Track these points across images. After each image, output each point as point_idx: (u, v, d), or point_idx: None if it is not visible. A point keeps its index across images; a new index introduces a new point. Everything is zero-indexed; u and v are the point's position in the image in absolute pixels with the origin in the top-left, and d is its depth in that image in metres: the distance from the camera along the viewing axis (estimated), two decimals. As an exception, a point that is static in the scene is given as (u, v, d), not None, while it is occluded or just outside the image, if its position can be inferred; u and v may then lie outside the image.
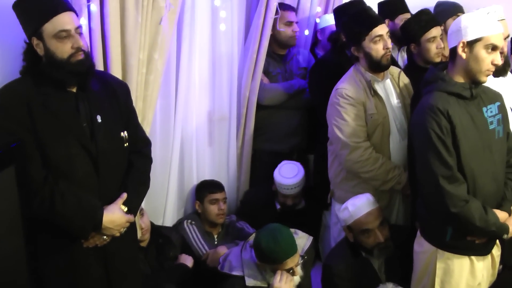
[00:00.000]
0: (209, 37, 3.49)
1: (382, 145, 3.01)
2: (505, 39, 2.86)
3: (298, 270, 2.76)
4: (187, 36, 3.26)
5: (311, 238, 3.01)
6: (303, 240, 2.95)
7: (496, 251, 2.60)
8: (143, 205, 2.80)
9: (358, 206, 2.85)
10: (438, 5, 3.94)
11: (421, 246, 2.55)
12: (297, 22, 3.78)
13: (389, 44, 2.94)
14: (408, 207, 3.08)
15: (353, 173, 3.04)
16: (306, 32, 4.00)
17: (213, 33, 3.50)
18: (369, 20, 2.94)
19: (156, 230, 3.13)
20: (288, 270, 2.70)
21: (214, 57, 3.55)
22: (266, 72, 3.76)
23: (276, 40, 3.74)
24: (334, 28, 3.75)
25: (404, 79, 3.14)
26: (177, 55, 3.24)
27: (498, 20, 2.69)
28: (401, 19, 3.75)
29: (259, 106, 3.72)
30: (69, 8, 2.17)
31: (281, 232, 2.71)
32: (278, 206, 3.60)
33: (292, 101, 3.73)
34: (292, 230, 2.90)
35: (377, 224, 2.82)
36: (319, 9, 4.06)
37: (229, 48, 3.59)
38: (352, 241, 2.90)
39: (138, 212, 2.66)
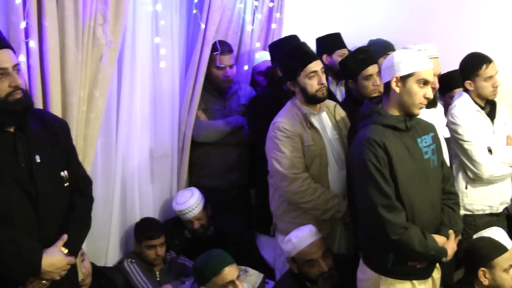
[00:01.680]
0: (150, 74, 3.50)
1: (320, 176, 3.08)
2: (438, 75, 3.00)
3: (242, 285, 2.77)
4: (128, 73, 3.27)
5: (261, 275, 3.03)
6: (253, 277, 2.97)
7: (436, 273, 2.69)
8: (84, 245, 2.73)
9: (301, 237, 2.89)
10: (370, 44, 4.11)
11: (364, 274, 2.61)
12: (233, 65, 3.80)
13: (324, 79, 3.04)
14: (350, 235, 3.15)
15: (294, 204, 3.09)
16: (246, 67, 4.08)
17: (153, 70, 3.52)
18: (304, 57, 3.04)
19: (98, 271, 3.06)
20: (230, 283, 2.70)
21: (155, 93, 3.57)
22: (205, 109, 3.79)
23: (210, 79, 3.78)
24: (266, 65, 3.87)
25: (340, 112, 3.25)
26: (118, 92, 3.24)
27: (431, 58, 2.81)
28: (338, 54, 3.88)
29: (198, 142, 3.73)
30: (6, 45, 2.14)
31: (213, 250, 2.81)
32: (186, 233, 3.62)
33: (229, 137, 3.74)
34: (242, 267, 2.91)
35: (321, 254, 2.86)
36: (258, 44, 4.17)
37: (169, 84, 3.62)
38: (296, 272, 2.92)
39: (79, 254, 2.59)
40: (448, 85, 3.69)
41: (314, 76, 3.02)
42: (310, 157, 3.05)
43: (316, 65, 3.03)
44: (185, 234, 3.63)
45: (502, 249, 2.77)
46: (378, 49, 3.89)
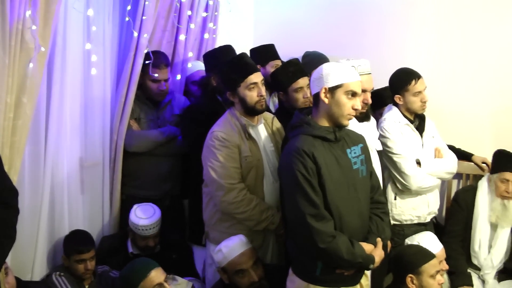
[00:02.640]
0: (81, 80, 3.41)
1: (256, 187, 3.09)
2: (370, 91, 3.05)
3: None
4: (58, 79, 3.18)
5: (190, 283, 3.01)
6: (182, 286, 2.95)
7: (365, 280, 2.75)
8: (8, 259, 2.63)
9: (232, 247, 2.90)
10: (305, 56, 4.18)
11: (293, 283, 2.63)
12: (167, 80, 3.76)
13: (263, 91, 3.05)
14: (282, 246, 3.16)
15: (228, 214, 3.08)
16: (178, 77, 4.05)
17: (84, 77, 3.43)
18: (245, 68, 3.04)
19: (23, 286, 2.95)
20: (158, 286, 2.70)
21: (86, 101, 3.47)
22: (137, 118, 3.73)
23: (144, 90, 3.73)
24: (200, 74, 3.86)
25: (277, 124, 3.27)
26: (48, 99, 3.14)
27: (364, 74, 2.91)
28: (272, 66, 3.91)
29: (130, 152, 3.67)
30: None
31: (136, 259, 2.87)
32: (131, 250, 3.51)
33: (162, 148, 3.70)
34: (170, 276, 2.89)
35: (251, 264, 2.87)
36: (191, 54, 4.14)
37: (101, 92, 3.54)
38: (227, 283, 2.92)
39: (3, 269, 2.49)
40: (378, 102, 3.78)
41: (254, 87, 3.02)
42: (247, 168, 3.05)
43: (257, 77, 3.04)
44: (127, 253, 3.50)
45: (429, 256, 2.86)
46: (312, 61, 3.94)
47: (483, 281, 3.60)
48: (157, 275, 2.72)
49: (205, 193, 3.21)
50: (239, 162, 3.03)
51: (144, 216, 3.40)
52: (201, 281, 3.44)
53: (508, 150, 3.65)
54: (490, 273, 3.58)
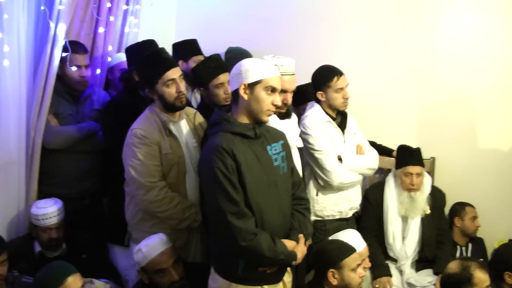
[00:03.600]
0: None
1: (178, 184, 3.03)
2: (292, 92, 3.02)
3: None
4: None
5: (108, 285, 2.93)
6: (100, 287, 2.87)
7: (288, 277, 2.76)
8: None
9: (152, 246, 2.85)
10: (228, 52, 4.15)
11: (216, 282, 2.60)
12: (88, 66, 3.65)
13: (182, 87, 2.99)
14: (206, 244, 3.12)
15: (150, 213, 3.02)
16: (98, 71, 3.92)
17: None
18: (162, 64, 2.96)
19: None
20: None
21: (-1, 94, 3.28)
22: (56, 113, 3.57)
23: (65, 81, 3.58)
24: (123, 65, 3.74)
25: (200, 119, 3.22)
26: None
27: (288, 75, 2.89)
28: (194, 61, 3.85)
29: (48, 149, 3.51)
30: None
31: (54, 262, 2.77)
32: (38, 249, 3.36)
33: (82, 144, 3.58)
34: (88, 279, 2.79)
35: (171, 262, 2.83)
36: (110, 48, 4.01)
37: (15, 85, 3.32)
38: (147, 283, 2.86)
39: None
40: (301, 98, 3.81)
41: (173, 83, 2.95)
42: (168, 165, 2.99)
43: (174, 73, 2.97)
44: (34, 255, 3.35)
45: (350, 250, 2.89)
46: (236, 57, 3.89)
47: (401, 272, 3.72)
48: (74, 281, 2.61)
49: (127, 192, 3.12)
50: (160, 159, 2.96)
51: (43, 206, 3.30)
52: (118, 283, 3.34)
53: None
54: (405, 263, 3.71)
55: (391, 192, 3.78)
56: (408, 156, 3.75)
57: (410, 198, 3.70)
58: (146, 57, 3.05)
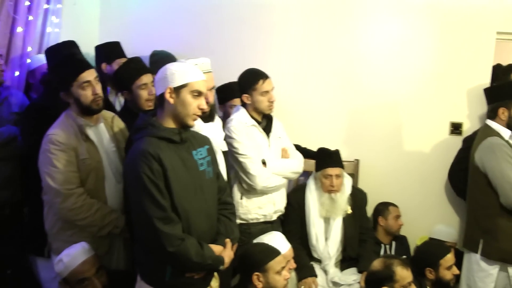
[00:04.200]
0: None
1: (97, 190, 2.96)
2: (211, 89, 3.06)
3: None
4: None
5: None
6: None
7: (215, 282, 2.76)
8: None
9: (73, 255, 2.75)
10: (153, 55, 4.10)
11: (142, 290, 2.55)
12: (2, 65, 3.50)
13: (99, 89, 2.92)
14: (130, 251, 3.03)
15: (70, 222, 2.92)
16: (17, 73, 3.75)
17: None
18: (77, 65, 2.89)
19: None
20: None
21: None
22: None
23: None
24: (45, 68, 3.60)
25: (119, 123, 3.15)
26: None
27: (205, 72, 2.87)
28: (118, 64, 3.77)
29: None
30: None
31: None
32: None
33: (1, 150, 3.41)
34: None
35: (94, 271, 2.75)
36: (30, 49, 3.85)
37: None
38: (69, 295, 2.76)
39: None
40: (227, 95, 3.83)
41: (88, 86, 2.88)
42: (86, 171, 2.91)
43: (90, 74, 2.90)
44: None
45: (275, 253, 2.92)
46: (161, 60, 3.86)
47: (326, 272, 3.78)
48: None
49: (45, 201, 3.00)
50: (77, 165, 2.88)
51: None
52: None
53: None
54: (329, 263, 3.77)
55: (312, 195, 3.84)
56: (327, 159, 3.83)
57: (330, 200, 3.77)
58: (60, 59, 2.97)
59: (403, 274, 2.89)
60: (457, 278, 3.55)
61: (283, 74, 4.26)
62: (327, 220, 3.81)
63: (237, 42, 4.37)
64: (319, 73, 4.39)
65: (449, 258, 3.29)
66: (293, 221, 3.85)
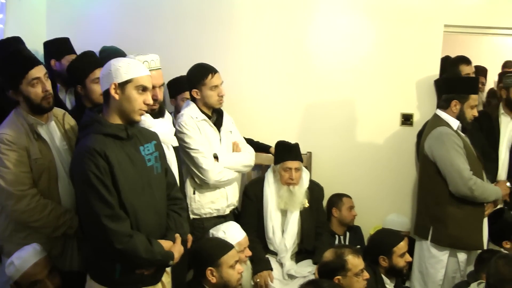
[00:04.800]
0: None
1: (50, 190, 2.89)
2: (160, 86, 3.04)
3: None
4: None
5: None
6: None
7: (166, 278, 2.75)
8: None
9: (24, 258, 2.69)
10: (102, 51, 4.05)
11: (92, 290, 2.53)
12: None
13: (49, 86, 2.85)
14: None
15: (23, 224, 2.84)
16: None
17: None
18: (25, 62, 2.80)
19: None
20: None
21: None
22: None
23: None
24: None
25: (70, 121, 3.09)
26: None
27: (155, 69, 2.89)
28: (67, 60, 3.71)
29: None
30: None
31: None
32: None
33: None
34: None
35: (46, 273, 2.70)
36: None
37: None
38: (21, 299, 2.71)
39: None
40: (178, 88, 3.82)
41: (38, 83, 2.79)
42: (38, 171, 2.83)
43: (39, 71, 2.81)
44: None
45: (227, 248, 2.92)
46: (110, 56, 3.72)
47: (282, 264, 3.80)
48: None
49: (-3, 203, 2.92)
50: (29, 165, 2.80)
51: None
52: None
53: (301, 142, 3.91)
54: (285, 256, 3.79)
55: (270, 187, 3.86)
56: (286, 152, 3.85)
57: (289, 192, 3.79)
58: (6, 56, 2.87)
59: (355, 262, 2.95)
60: (410, 264, 3.63)
61: (233, 69, 4.28)
62: (284, 213, 3.84)
63: (185, 37, 4.35)
64: (270, 67, 4.41)
65: (402, 246, 3.35)
66: (250, 213, 3.87)
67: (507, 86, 4.25)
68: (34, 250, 2.74)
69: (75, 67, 3.28)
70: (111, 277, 2.47)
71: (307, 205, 3.87)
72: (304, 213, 3.87)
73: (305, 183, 3.90)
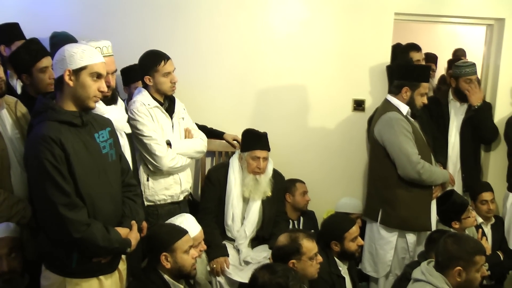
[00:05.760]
0: None
1: (2, 180, 2.82)
2: (113, 73, 3.03)
3: None
4: None
5: None
6: None
7: (122, 265, 2.76)
8: None
9: None
10: (53, 37, 3.95)
11: (48, 279, 2.51)
12: None
13: (1, 73, 2.78)
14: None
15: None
16: None
17: None
18: None
19: None
20: None
21: None
22: None
23: None
24: None
25: (22, 109, 3.02)
26: None
27: (107, 56, 2.87)
28: (17, 46, 3.55)
29: None
30: None
31: None
32: None
33: None
34: None
35: (5, 251, 2.67)
36: None
37: None
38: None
39: None
40: (132, 76, 3.80)
41: None
42: None
43: None
44: None
45: (182, 233, 2.92)
46: (61, 42, 3.68)
47: (239, 251, 3.84)
48: None
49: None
50: None
51: None
52: None
53: (255, 128, 3.96)
54: (243, 243, 3.84)
55: (235, 174, 3.87)
56: (255, 140, 3.86)
57: (255, 181, 3.83)
58: None
59: (309, 246, 3.01)
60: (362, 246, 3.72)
61: (185, 55, 4.25)
62: (246, 201, 3.87)
63: (137, 23, 4.27)
64: (222, 53, 4.40)
65: (354, 230, 3.42)
66: (211, 198, 3.88)
67: (456, 76, 4.42)
68: (6, 226, 2.72)
69: (20, 55, 3.19)
70: (68, 267, 2.46)
71: (269, 194, 3.92)
72: (265, 202, 3.91)
73: (269, 172, 3.94)
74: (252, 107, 4.49)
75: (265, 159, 3.85)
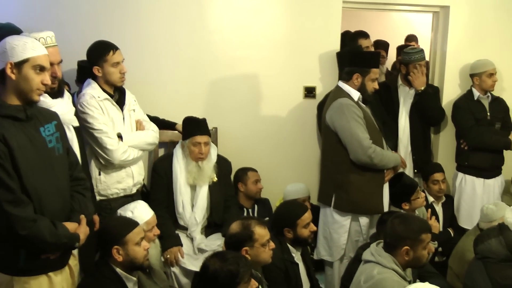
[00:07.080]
0: None
1: None
2: (58, 63, 2.97)
3: None
4: None
5: None
6: None
7: (73, 260, 2.73)
8: None
9: None
10: (-1, 28, 3.83)
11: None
12: None
13: None
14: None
15: None
16: None
17: None
18: None
19: None
20: None
21: None
22: None
23: None
24: None
25: None
26: None
27: (51, 46, 2.82)
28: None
29: None
30: None
31: None
32: None
33: None
34: None
35: None
36: None
37: None
38: None
39: None
40: (84, 73, 3.68)
41: None
42: None
43: None
44: None
45: (132, 225, 2.89)
46: (5, 34, 3.57)
47: (192, 239, 3.84)
48: None
49: None
50: None
51: None
52: None
53: (207, 117, 3.97)
54: (196, 230, 3.84)
55: (179, 163, 3.87)
56: (195, 127, 3.87)
57: (197, 168, 3.83)
58: None
59: (262, 232, 3.03)
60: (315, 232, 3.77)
61: (134, 46, 4.17)
62: (193, 188, 3.87)
63: (84, 12, 4.15)
64: (171, 43, 4.34)
65: (306, 217, 3.45)
66: (159, 189, 3.88)
67: (405, 63, 4.52)
68: None
69: None
70: (15, 265, 2.41)
71: (215, 179, 3.93)
72: (212, 187, 3.92)
73: (213, 158, 3.95)
74: (203, 97, 4.46)
75: (206, 144, 3.86)
